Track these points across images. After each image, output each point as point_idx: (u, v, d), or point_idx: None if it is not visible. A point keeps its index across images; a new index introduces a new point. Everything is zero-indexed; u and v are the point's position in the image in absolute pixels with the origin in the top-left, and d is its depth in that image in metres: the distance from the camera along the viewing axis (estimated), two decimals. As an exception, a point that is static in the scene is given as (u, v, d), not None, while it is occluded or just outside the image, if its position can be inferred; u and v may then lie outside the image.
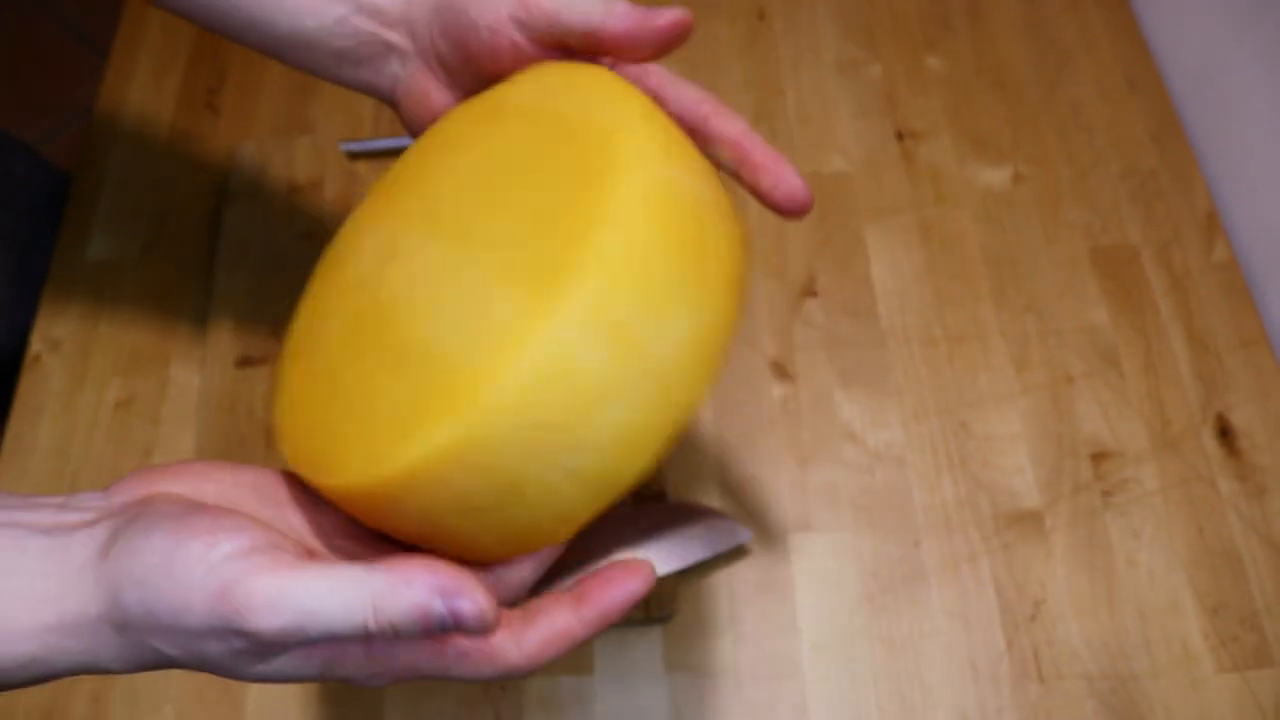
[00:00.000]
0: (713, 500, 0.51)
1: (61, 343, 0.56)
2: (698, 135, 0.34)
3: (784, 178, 0.33)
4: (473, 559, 0.29)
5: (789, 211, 0.33)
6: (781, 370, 0.55)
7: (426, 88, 0.37)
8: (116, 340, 0.56)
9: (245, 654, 0.27)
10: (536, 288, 0.25)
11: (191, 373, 0.55)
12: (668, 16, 0.31)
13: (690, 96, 0.34)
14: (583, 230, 0.25)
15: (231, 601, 0.25)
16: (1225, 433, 0.53)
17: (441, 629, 0.26)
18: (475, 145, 0.32)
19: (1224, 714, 0.46)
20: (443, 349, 0.26)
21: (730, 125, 0.33)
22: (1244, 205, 0.60)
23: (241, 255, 0.57)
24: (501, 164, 0.30)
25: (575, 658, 0.47)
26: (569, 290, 0.24)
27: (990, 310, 0.56)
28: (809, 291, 0.57)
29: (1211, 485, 0.51)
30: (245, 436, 0.52)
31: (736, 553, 0.49)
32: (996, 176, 0.61)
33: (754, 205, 0.60)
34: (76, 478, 0.52)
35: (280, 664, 0.28)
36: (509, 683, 0.47)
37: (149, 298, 0.57)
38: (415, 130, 0.38)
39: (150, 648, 0.27)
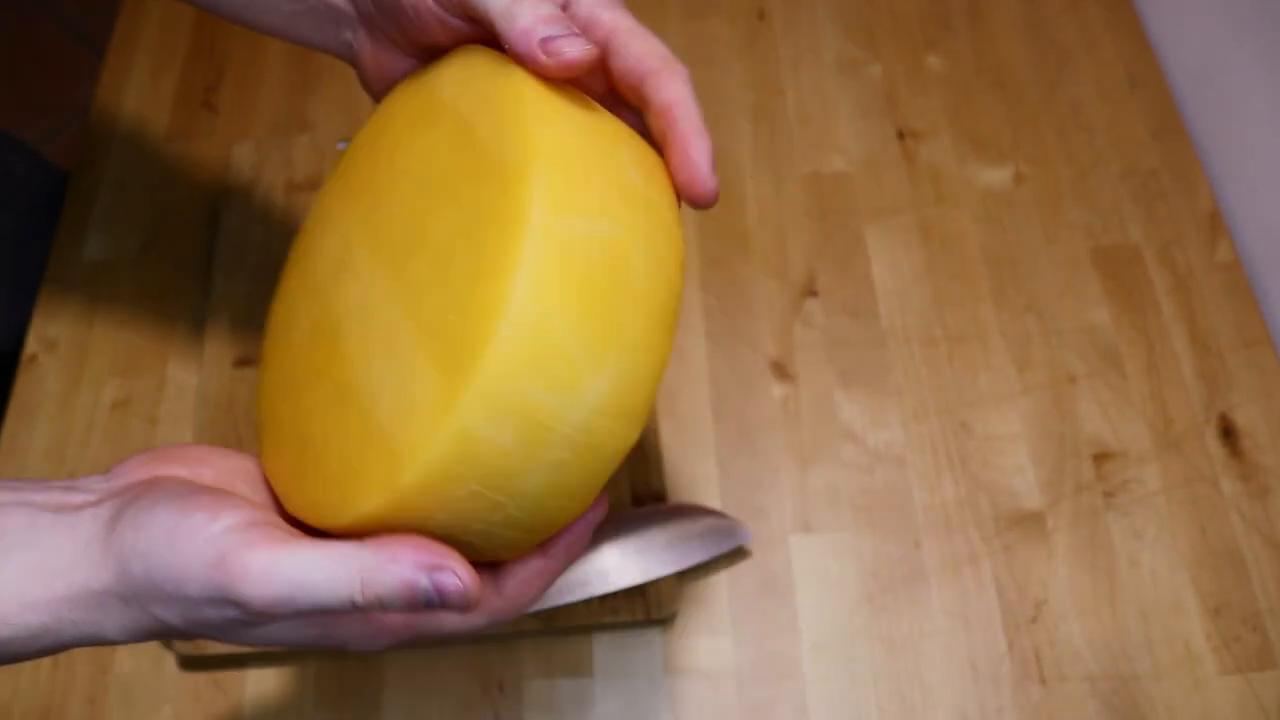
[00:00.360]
0: (713, 500, 0.51)
1: (58, 343, 0.56)
2: (635, 97, 0.32)
3: (692, 162, 0.30)
4: None
5: (686, 200, 0.31)
6: (781, 370, 0.55)
7: (377, 52, 0.37)
8: (113, 340, 0.56)
9: (241, 622, 0.28)
10: (448, 370, 0.26)
11: (189, 373, 0.55)
12: (559, 56, 0.29)
13: (636, 53, 0.31)
14: (488, 304, 0.25)
15: (227, 571, 0.27)
16: (1228, 433, 0.53)
17: (426, 604, 0.27)
18: (410, 150, 0.32)
19: (1226, 715, 0.46)
20: (375, 411, 0.28)
21: (667, 90, 0.31)
22: (1247, 205, 0.60)
23: (240, 255, 0.57)
24: (429, 183, 0.30)
25: (575, 659, 0.47)
26: (472, 379, 0.25)
27: (991, 310, 0.56)
28: (809, 291, 0.57)
29: (1214, 485, 0.51)
30: (243, 437, 0.52)
31: (737, 553, 0.49)
32: (997, 176, 0.61)
33: (753, 204, 0.60)
34: (73, 478, 0.52)
35: (276, 630, 0.29)
36: (509, 684, 0.47)
37: (146, 298, 0.57)
38: (372, 92, 0.38)
39: (153, 616, 0.28)
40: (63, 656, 0.47)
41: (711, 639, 0.48)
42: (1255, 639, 0.47)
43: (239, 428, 0.52)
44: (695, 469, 0.52)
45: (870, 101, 0.64)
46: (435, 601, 0.27)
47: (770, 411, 0.53)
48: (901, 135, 0.62)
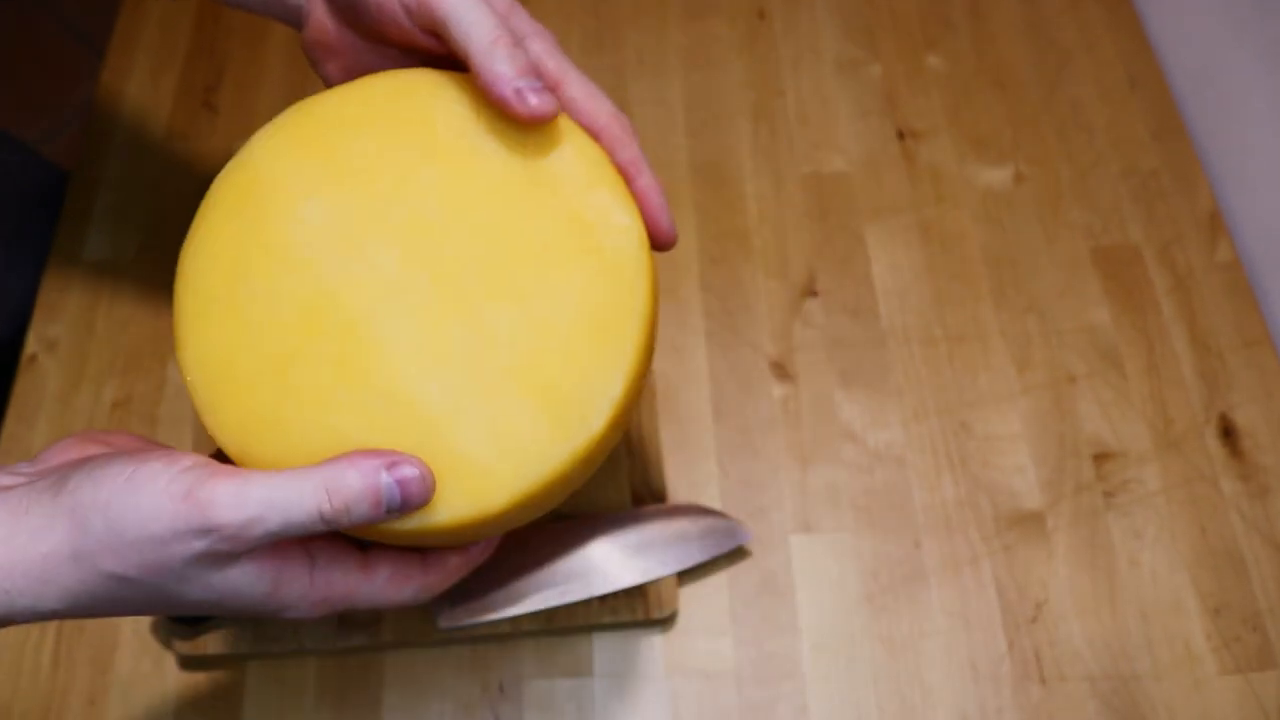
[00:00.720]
0: (713, 500, 0.51)
1: (58, 343, 0.56)
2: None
3: (655, 217, 0.34)
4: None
5: (652, 246, 0.34)
6: (781, 370, 0.55)
7: (326, 25, 0.37)
8: (113, 340, 0.56)
9: (206, 558, 0.28)
10: (560, 426, 0.31)
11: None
12: (529, 106, 0.32)
13: (586, 109, 0.35)
14: (604, 389, 0.31)
15: (196, 500, 0.28)
16: (1228, 433, 0.53)
17: (390, 504, 0.29)
18: (467, 188, 0.33)
19: (1226, 715, 0.46)
20: (450, 435, 0.30)
21: (622, 152, 0.34)
22: (1247, 205, 0.60)
23: None
24: (517, 238, 0.32)
25: (575, 659, 0.47)
26: (581, 441, 0.31)
27: (991, 310, 0.56)
28: (809, 291, 0.57)
29: (1214, 485, 0.51)
30: None
31: (737, 553, 0.49)
32: (997, 176, 0.61)
33: (753, 204, 0.60)
34: None
35: (235, 575, 0.29)
36: (509, 684, 0.47)
37: (146, 298, 0.57)
38: (313, 59, 0.38)
39: (103, 574, 0.28)
40: (63, 656, 0.47)
41: (711, 639, 0.48)
42: (1255, 639, 0.47)
43: None
44: (695, 469, 0.52)
45: (870, 101, 0.64)
46: (397, 501, 0.29)
47: (770, 411, 0.53)
48: (901, 135, 0.62)
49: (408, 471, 0.29)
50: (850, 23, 0.67)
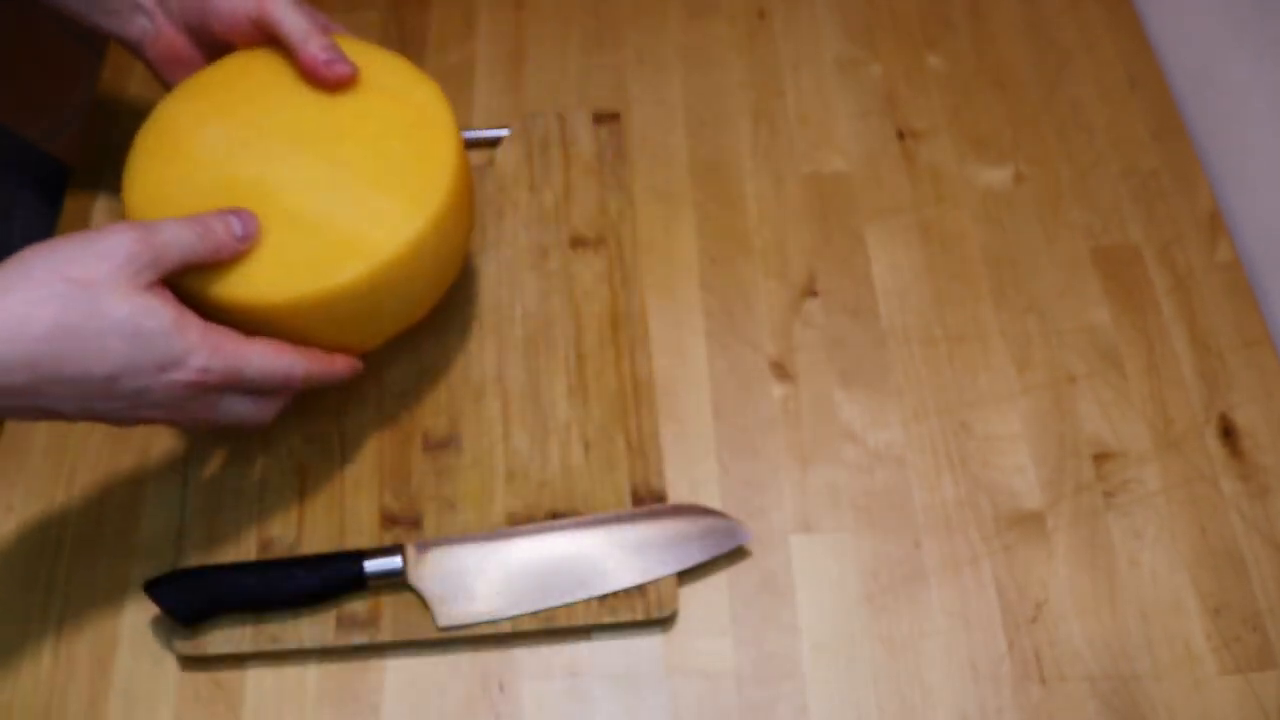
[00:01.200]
0: (713, 500, 0.51)
1: (58, 342, 0.55)
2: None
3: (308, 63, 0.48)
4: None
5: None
6: (781, 370, 0.55)
7: (175, 44, 0.51)
8: (114, 340, 0.55)
9: (134, 274, 0.39)
10: (414, 202, 0.46)
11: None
12: (335, 71, 0.48)
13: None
14: (433, 175, 0.47)
15: (147, 230, 0.40)
16: (1228, 433, 0.52)
17: (234, 228, 0.43)
18: (294, 91, 0.49)
19: (1226, 715, 0.46)
20: (337, 223, 0.45)
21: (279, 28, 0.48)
22: (1247, 205, 0.60)
23: None
24: (338, 108, 0.48)
25: (574, 659, 0.47)
26: (433, 208, 0.46)
27: (991, 310, 0.56)
28: (809, 291, 0.57)
29: (1214, 485, 0.51)
30: (240, 436, 0.52)
31: (737, 553, 0.49)
32: (997, 176, 0.61)
33: (753, 204, 0.60)
34: (73, 476, 0.52)
35: (149, 300, 0.39)
36: (509, 684, 0.47)
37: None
38: (167, 79, 0.52)
39: (45, 298, 0.37)
40: (63, 655, 0.47)
41: (711, 639, 0.48)
42: (1255, 639, 0.47)
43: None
44: (695, 469, 0.52)
45: (870, 101, 0.64)
46: (238, 228, 0.43)
47: (770, 412, 0.53)
48: (901, 135, 0.62)
49: (244, 214, 0.43)
50: (850, 22, 0.67)
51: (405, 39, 0.66)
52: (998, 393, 0.54)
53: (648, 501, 0.50)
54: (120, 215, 0.60)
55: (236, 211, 0.43)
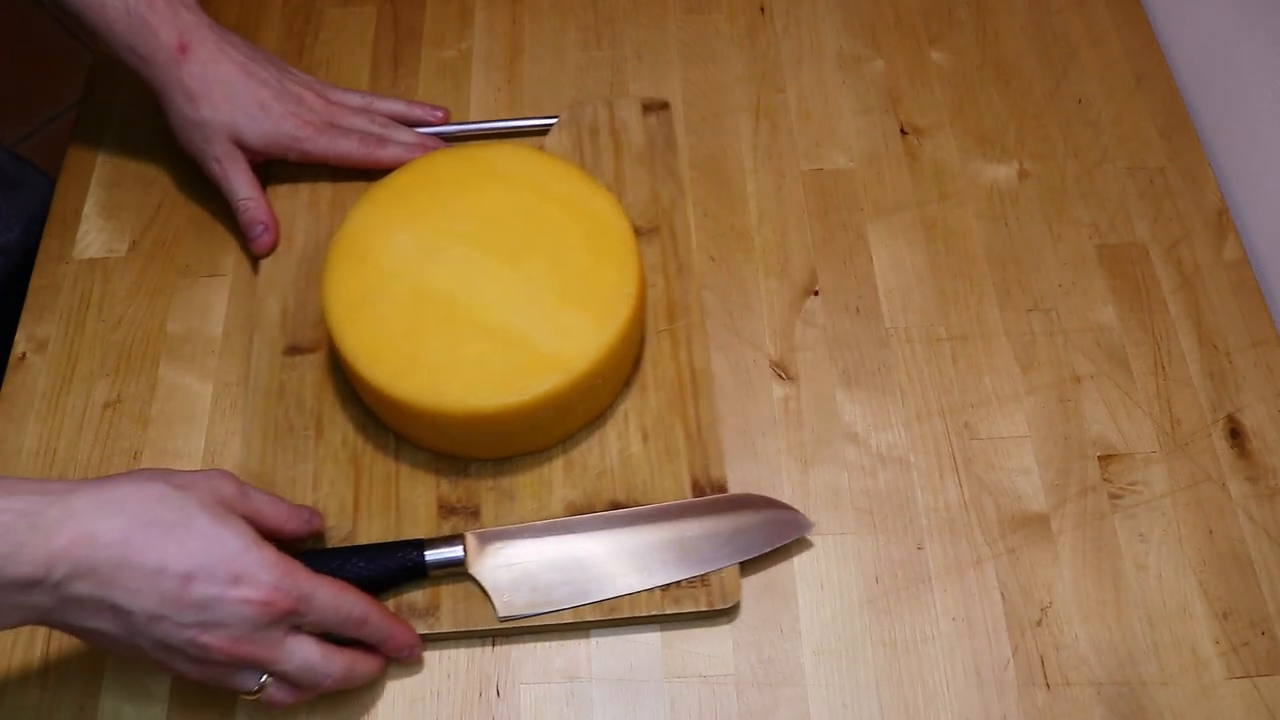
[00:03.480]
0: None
1: (47, 342, 0.55)
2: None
3: None
4: (475, 455, 0.50)
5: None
6: (782, 370, 0.54)
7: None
8: (104, 340, 0.55)
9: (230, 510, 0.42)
10: (597, 316, 0.48)
11: (180, 373, 0.54)
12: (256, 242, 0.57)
13: None
14: (623, 290, 0.49)
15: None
16: (1236, 434, 0.52)
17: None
18: (482, 195, 0.52)
19: (1234, 721, 0.45)
20: (532, 339, 0.48)
21: None
22: (1255, 202, 0.59)
23: (287, 244, 0.56)
24: (520, 215, 0.52)
25: (572, 663, 0.47)
26: (620, 325, 0.49)
27: (995, 309, 0.56)
28: (810, 290, 0.56)
29: (1222, 487, 0.50)
30: (294, 425, 0.51)
31: (799, 544, 0.49)
32: (1001, 173, 0.60)
33: (754, 202, 0.59)
34: (63, 479, 0.51)
35: (233, 522, 0.41)
36: (505, 689, 0.46)
37: (137, 296, 0.56)
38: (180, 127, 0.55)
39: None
40: (53, 662, 0.47)
41: (711, 642, 0.47)
42: (1264, 643, 0.47)
43: (290, 414, 0.51)
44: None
45: (873, 97, 0.63)
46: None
47: (771, 412, 0.53)
48: (904, 131, 0.62)
49: (316, 516, 0.48)
50: (852, 18, 0.66)
51: (401, 34, 0.65)
52: (1002, 393, 0.53)
53: (707, 491, 0.49)
54: (111, 220, 0.59)
55: (314, 511, 0.47)
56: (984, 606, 0.48)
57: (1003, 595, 0.48)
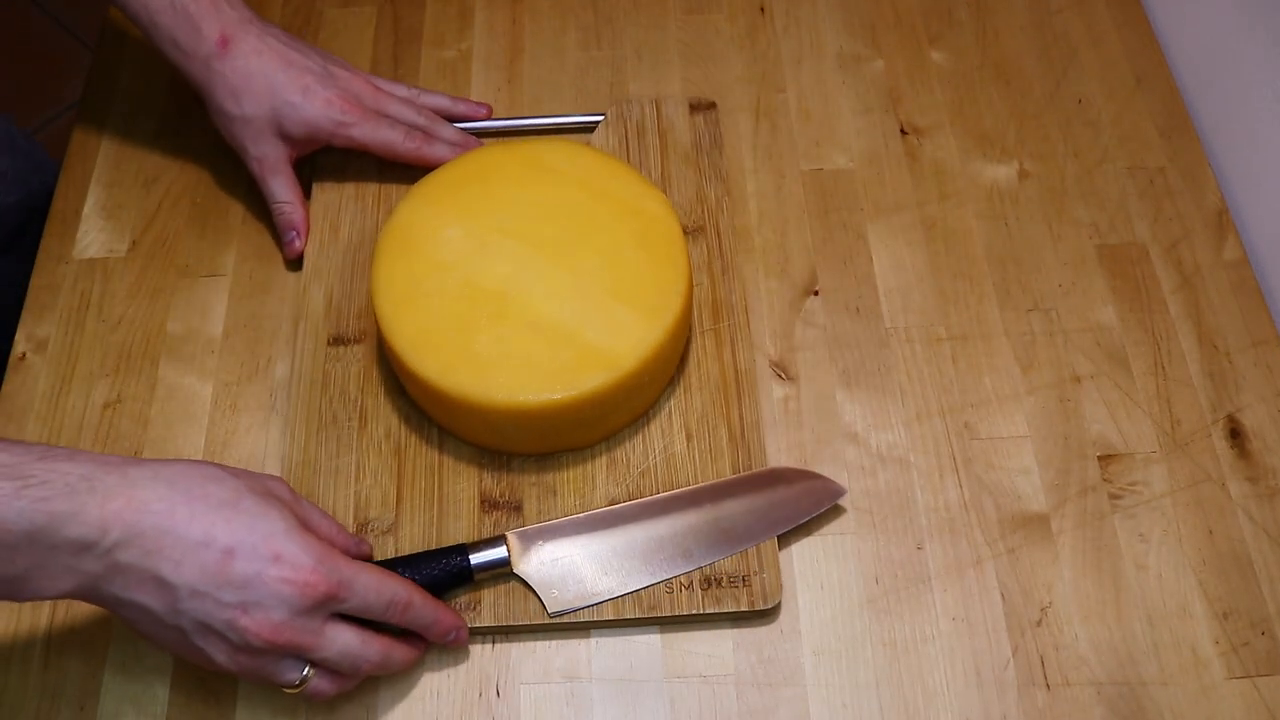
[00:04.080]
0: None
1: (47, 342, 0.55)
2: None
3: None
4: (519, 449, 0.50)
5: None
6: (782, 370, 0.54)
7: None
8: (104, 340, 0.55)
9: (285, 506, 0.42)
10: (647, 312, 0.48)
11: (180, 373, 0.54)
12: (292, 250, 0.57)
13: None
14: (672, 288, 0.49)
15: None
16: (1236, 434, 0.52)
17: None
18: (533, 190, 0.52)
19: (1234, 721, 0.45)
20: (582, 335, 0.48)
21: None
22: (1255, 202, 0.59)
23: (332, 234, 0.56)
24: (571, 211, 0.51)
25: (572, 663, 0.46)
26: (668, 322, 0.48)
27: (995, 309, 0.56)
28: (810, 290, 0.56)
29: (1222, 487, 0.50)
30: (337, 415, 0.51)
31: (833, 511, 0.49)
32: (1001, 173, 0.60)
33: (754, 201, 0.59)
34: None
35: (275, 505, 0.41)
36: (505, 689, 0.46)
37: (137, 296, 0.56)
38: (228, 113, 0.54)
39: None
40: (53, 657, 0.47)
41: (711, 643, 0.47)
42: (1264, 643, 0.47)
43: (334, 405, 0.51)
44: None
45: (872, 97, 0.63)
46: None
47: (771, 412, 0.53)
48: (904, 131, 0.61)
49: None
50: (852, 18, 0.66)
51: (401, 34, 0.65)
52: (1002, 393, 0.53)
53: (746, 470, 0.50)
54: (111, 220, 0.59)
55: (363, 540, 0.47)
56: (984, 606, 0.48)
57: (1003, 595, 0.48)
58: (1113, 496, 0.50)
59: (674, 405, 0.51)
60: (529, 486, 0.50)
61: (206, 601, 0.38)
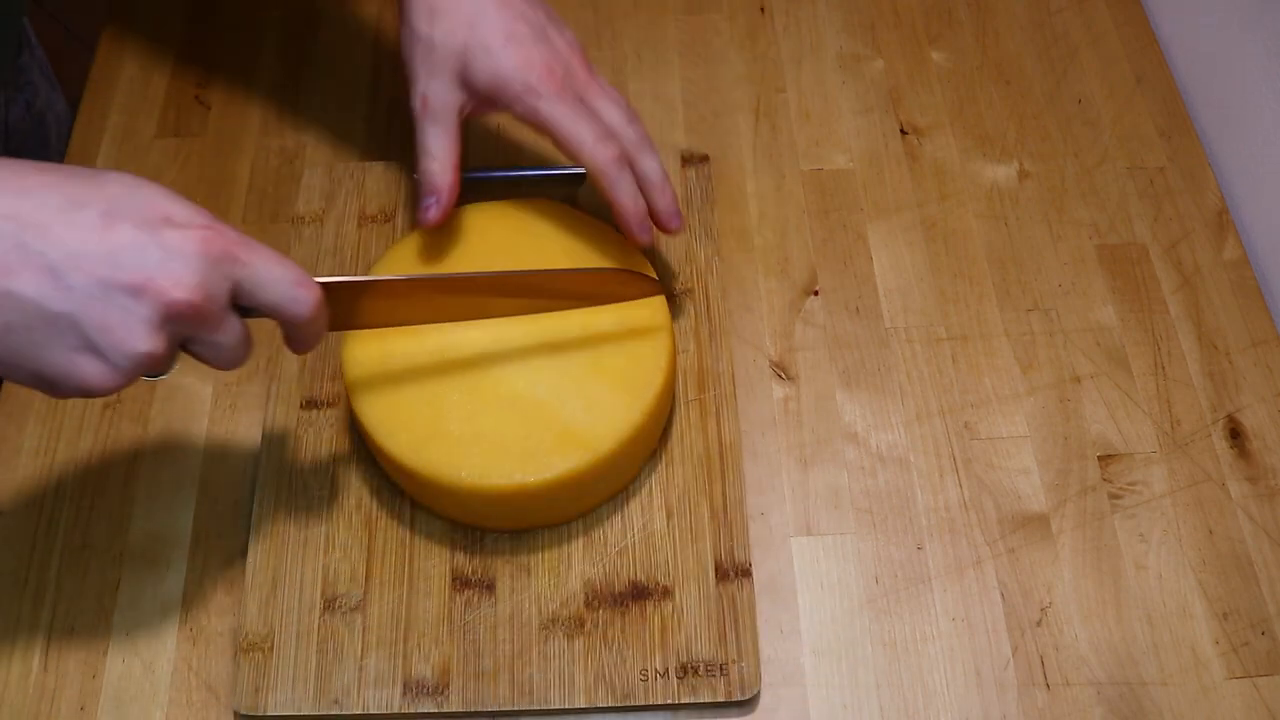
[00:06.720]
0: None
1: (48, 342, 0.55)
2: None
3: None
4: (492, 526, 0.48)
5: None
6: (782, 370, 0.54)
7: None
8: (105, 339, 0.55)
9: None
10: (632, 396, 0.46)
11: (180, 372, 0.54)
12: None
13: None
14: (652, 372, 0.47)
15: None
16: (1236, 434, 0.52)
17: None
18: (507, 253, 0.50)
19: (1234, 721, 0.45)
20: (559, 413, 0.45)
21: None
22: (1255, 202, 0.59)
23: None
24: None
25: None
26: (648, 405, 0.46)
27: (995, 309, 0.56)
28: (810, 290, 0.56)
29: (1222, 487, 0.50)
30: (308, 483, 0.49)
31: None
32: (1001, 173, 0.60)
33: (754, 201, 0.59)
34: (62, 480, 0.51)
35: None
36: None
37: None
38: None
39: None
40: (52, 660, 0.47)
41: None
42: (1264, 643, 0.47)
43: (305, 474, 0.49)
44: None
45: (872, 97, 0.63)
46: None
47: (771, 412, 0.53)
48: (904, 131, 0.61)
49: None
50: (852, 17, 0.66)
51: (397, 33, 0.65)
52: (1002, 393, 0.53)
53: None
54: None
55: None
56: (984, 606, 0.48)
57: (1002, 595, 0.48)
58: (1113, 496, 0.50)
59: (655, 480, 0.49)
60: (502, 564, 0.47)
61: (100, 267, 0.32)
